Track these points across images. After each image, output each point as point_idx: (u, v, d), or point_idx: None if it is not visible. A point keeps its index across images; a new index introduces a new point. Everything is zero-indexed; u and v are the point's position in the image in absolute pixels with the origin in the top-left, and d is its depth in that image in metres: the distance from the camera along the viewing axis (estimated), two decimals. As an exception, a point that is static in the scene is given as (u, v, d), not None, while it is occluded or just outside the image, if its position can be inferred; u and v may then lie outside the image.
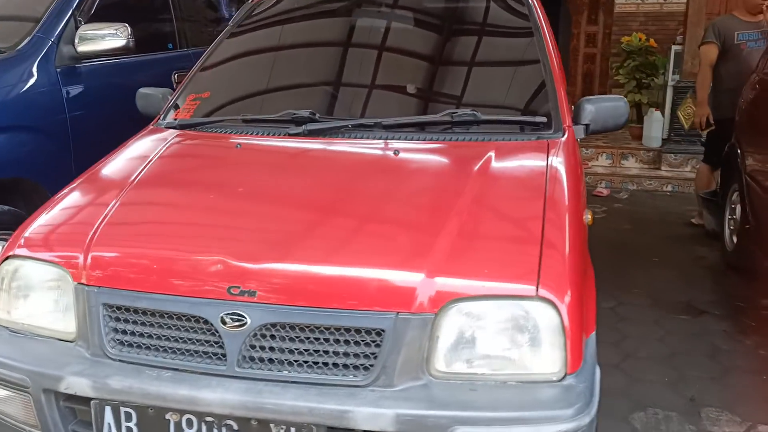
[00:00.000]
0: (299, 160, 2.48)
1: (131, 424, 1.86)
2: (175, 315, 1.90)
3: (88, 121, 3.72)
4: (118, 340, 1.95)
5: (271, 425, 1.78)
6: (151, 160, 2.48)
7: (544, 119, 2.55)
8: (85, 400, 1.90)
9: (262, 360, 1.85)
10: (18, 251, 2.11)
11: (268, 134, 2.60)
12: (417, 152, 2.46)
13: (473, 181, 2.18)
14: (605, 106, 2.66)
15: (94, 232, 2.07)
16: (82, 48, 3.69)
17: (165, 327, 1.92)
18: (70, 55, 3.67)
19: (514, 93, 2.78)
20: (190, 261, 1.96)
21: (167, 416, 1.84)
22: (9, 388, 2.00)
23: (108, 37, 3.72)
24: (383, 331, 1.78)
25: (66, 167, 3.60)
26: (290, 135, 2.56)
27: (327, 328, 1.81)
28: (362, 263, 1.89)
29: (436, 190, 2.22)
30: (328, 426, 1.75)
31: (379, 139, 2.50)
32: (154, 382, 1.85)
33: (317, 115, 2.59)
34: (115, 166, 2.54)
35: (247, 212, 2.19)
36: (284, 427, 1.77)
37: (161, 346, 1.92)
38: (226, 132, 2.68)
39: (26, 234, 2.16)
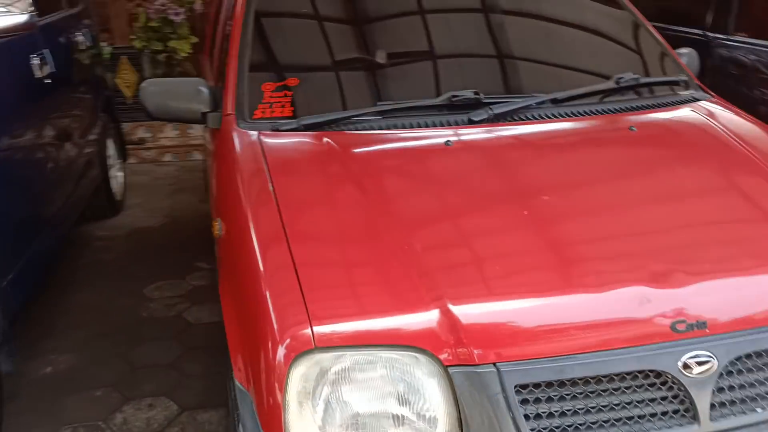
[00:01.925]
0: (546, 152, 2.05)
1: None
2: (616, 376, 1.44)
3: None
4: (543, 428, 1.41)
5: None
6: (354, 180, 1.82)
7: (685, 78, 2.50)
8: None
9: (733, 403, 1.50)
10: (322, 342, 1.38)
11: (441, 125, 2.07)
12: (646, 126, 2.18)
13: (745, 152, 2.04)
14: (691, 57, 2.68)
15: (430, 289, 1.46)
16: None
17: (603, 394, 1.44)
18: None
19: (646, 56, 2.60)
20: (612, 299, 1.49)
21: None
22: None
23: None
24: None
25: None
26: (474, 123, 2.08)
27: None
28: None
29: (727, 169, 2.01)
30: None
31: (564, 116, 2.18)
32: None
33: (482, 95, 2.14)
34: (306, 195, 1.81)
35: (589, 222, 1.75)
36: None
37: (603, 421, 1.43)
38: (375, 130, 2.07)
39: (314, 315, 1.41)
